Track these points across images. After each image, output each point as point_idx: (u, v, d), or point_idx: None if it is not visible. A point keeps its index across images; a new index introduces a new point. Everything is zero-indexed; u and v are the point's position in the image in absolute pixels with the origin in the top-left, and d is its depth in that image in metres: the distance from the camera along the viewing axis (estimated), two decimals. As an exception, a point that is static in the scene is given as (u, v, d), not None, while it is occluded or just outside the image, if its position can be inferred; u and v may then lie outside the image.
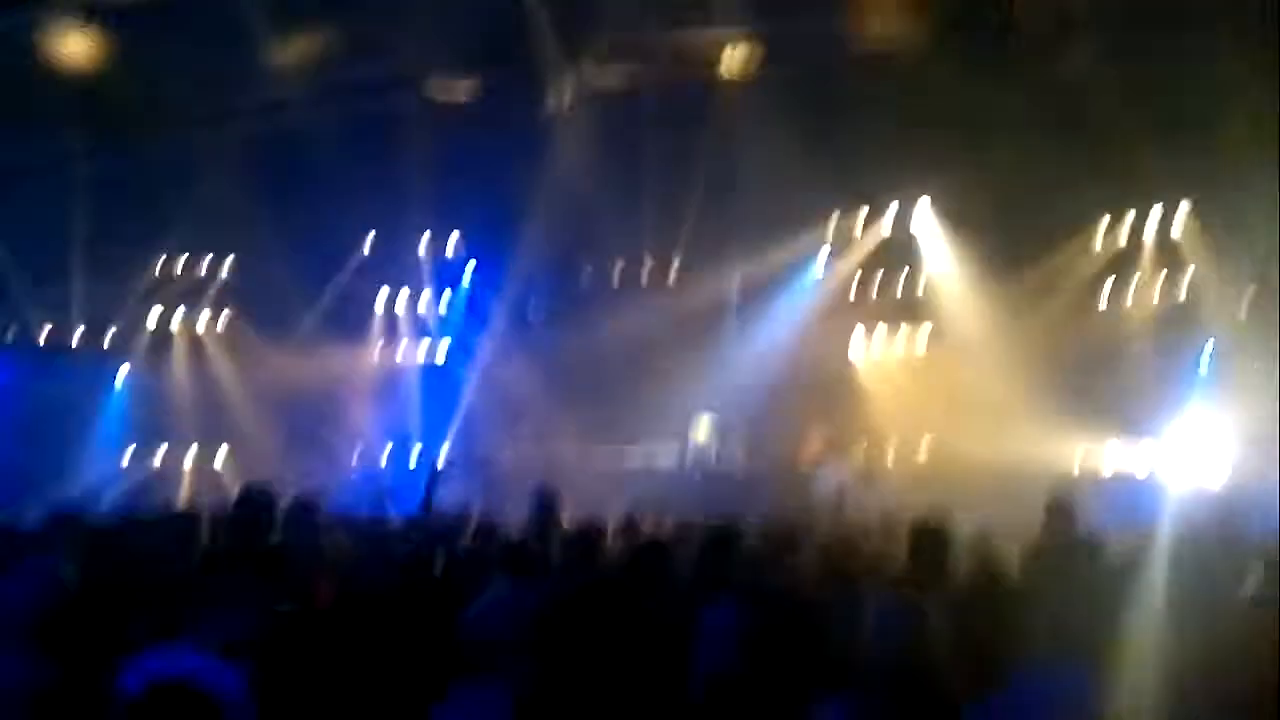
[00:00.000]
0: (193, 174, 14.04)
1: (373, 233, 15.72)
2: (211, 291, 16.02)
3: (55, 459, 13.12)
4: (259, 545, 5.10)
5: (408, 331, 16.36)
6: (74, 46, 11.56)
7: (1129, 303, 14.47)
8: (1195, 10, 10.84)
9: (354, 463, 15.28)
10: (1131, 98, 11.80)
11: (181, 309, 15.92)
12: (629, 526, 7.15)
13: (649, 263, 16.20)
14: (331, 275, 15.64)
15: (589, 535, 5.85)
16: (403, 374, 16.12)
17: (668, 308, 15.56)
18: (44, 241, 13.82)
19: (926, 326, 15.37)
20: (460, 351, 16.10)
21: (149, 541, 5.24)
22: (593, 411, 14.87)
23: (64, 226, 13.80)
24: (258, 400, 15.14)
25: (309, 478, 11.90)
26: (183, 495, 13.81)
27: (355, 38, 12.85)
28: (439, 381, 15.88)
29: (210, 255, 15.90)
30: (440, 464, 13.96)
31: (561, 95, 13.13)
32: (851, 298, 15.77)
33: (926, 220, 14.97)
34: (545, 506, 6.07)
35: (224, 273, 16.05)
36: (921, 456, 14.34)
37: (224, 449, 15.23)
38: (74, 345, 14.90)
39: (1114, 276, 14.50)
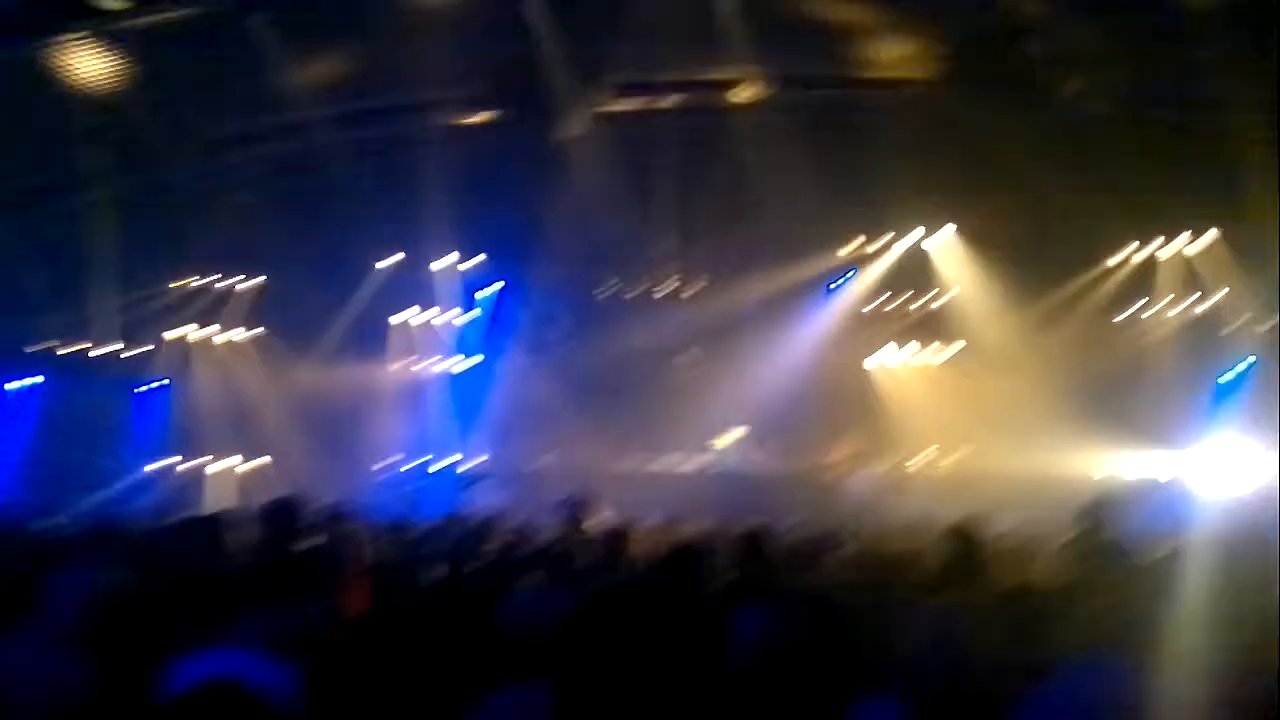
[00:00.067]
0: (218, 194, 14.21)
1: (395, 251, 15.82)
2: (237, 307, 16.17)
3: (87, 468, 13.27)
4: (290, 551, 5.15)
5: (431, 347, 16.45)
6: (97, 69, 11.73)
7: (1151, 320, 14.54)
8: (1210, 49, 10.78)
9: (381, 471, 15.37)
10: (1150, 128, 11.85)
11: (209, 323, 16.08)
12: (660, 532, 7.17)
13: (672, 279, 16.25)
14: (355, 293, 15.77)
15: (619, 540, 5.87)
16: (428, 385, 16.20)
17: (691, 322, 15.63)
18: (73, 259, 13.99)
19: (953, 340, 15.42)
20: (485, 365, 16.18)
21: (185, 546, 5.30)
22: (619, 424, 14.93)
23: (92, 244, 13.97)
24: (285, 410, 15.27)
25: (337, 485, 11.99)
26: (213, 503, 13.92)
27: (375, 64, 12.98)
28: (464, 393, 15.96)
29: (236, 273, 16.07)
30: (469, 471, 14.04)
31: (577, 121, 13.18)
32: (877, 314, 15.84)
33: (950, 245, 15.03)
34: (576, 512, 6.09)
35: (249, 289, 16.19)
36: (949, 467, 14.34)
37: (252, 458, 15.36)
38: (103, 358, 15.05)
39: (1136, 296, 14.59)
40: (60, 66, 11.59)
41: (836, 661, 3.21)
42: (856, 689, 3.29)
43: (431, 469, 15.06)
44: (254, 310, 16.20)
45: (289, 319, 15.68)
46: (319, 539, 5.18)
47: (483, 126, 14.18)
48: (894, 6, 12.71)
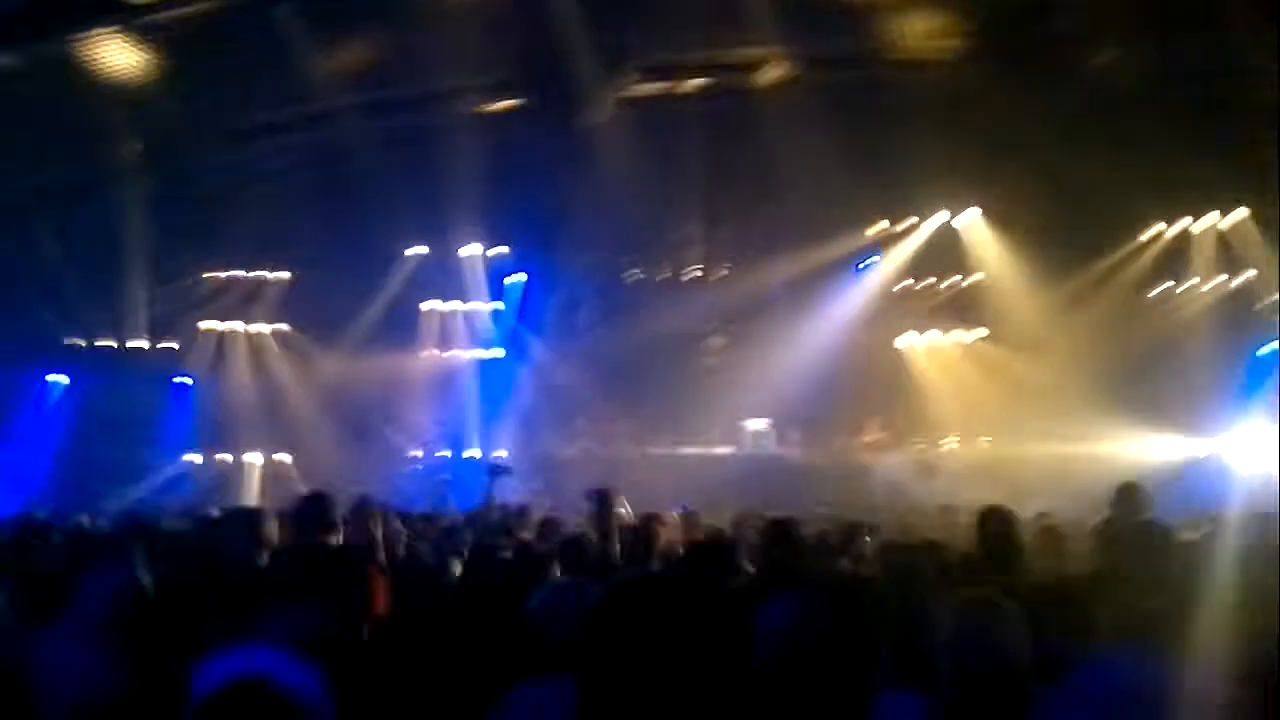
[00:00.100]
0: (247, 186, 14.28)
1: (422, 240, 15.84)
2: (268, 299, 16.27)
3: (122, 463, 13.41)
4: (319, 546, 5.16)
5: (461, 336, 16.50)
6: (126, 64, 11.81)
7: (1181, 298, 14.37)
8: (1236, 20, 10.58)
9: (413, 459, 15.45)
10: (1178, 104, 11.67)
11: (241, 316, 16.20)
12: (688, 521, 7.14)
13: (698, 263, 16.19)
14: (383, 283, 15.83)
15: (647, 530, 5.85)
16: (457, 375, 16.26)
17: (718, 306, 15.57)
18: (105, 253, 14.12)
19: (982, 322, 15.30)
20: (514, 353, 16.21)
21: (217, 540, 5.33)
22: (646, 410, 14.91)
23: (124, 238, 14.09)
24: (317, 401, 15.37)
25: (369, 474, 12.05)
26: (248, 494, 14.05)
27: (400, 53, 12.98)
28: (494, 382, 16.00)
29: (266, 265, 16.17)
30: (496, 462, 14.05)
31: (601, 107, 13.12)
32: (906, 295, 15.72)
33: (977, 225, 14.89)
34: (603, 502, 6.08)
35: (280, 281, 16.29)
36: (979, 450, 14.25)
37: (284, 450, 15.48)
38: (137, 352, 15.19)
39: (1166, 274, 14.42)
40: (89, 62, 11.68)
41: (861, 652, 3.17)
42: (881, 680, 3.27)
43: (460, 459, 15.13)
44: (284, 302, 16.30)
45: (318, 310, 15.78)
46: (347, 533, 5.19)
47: (507, 114, 14.16)
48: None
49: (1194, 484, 10.69)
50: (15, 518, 7.06)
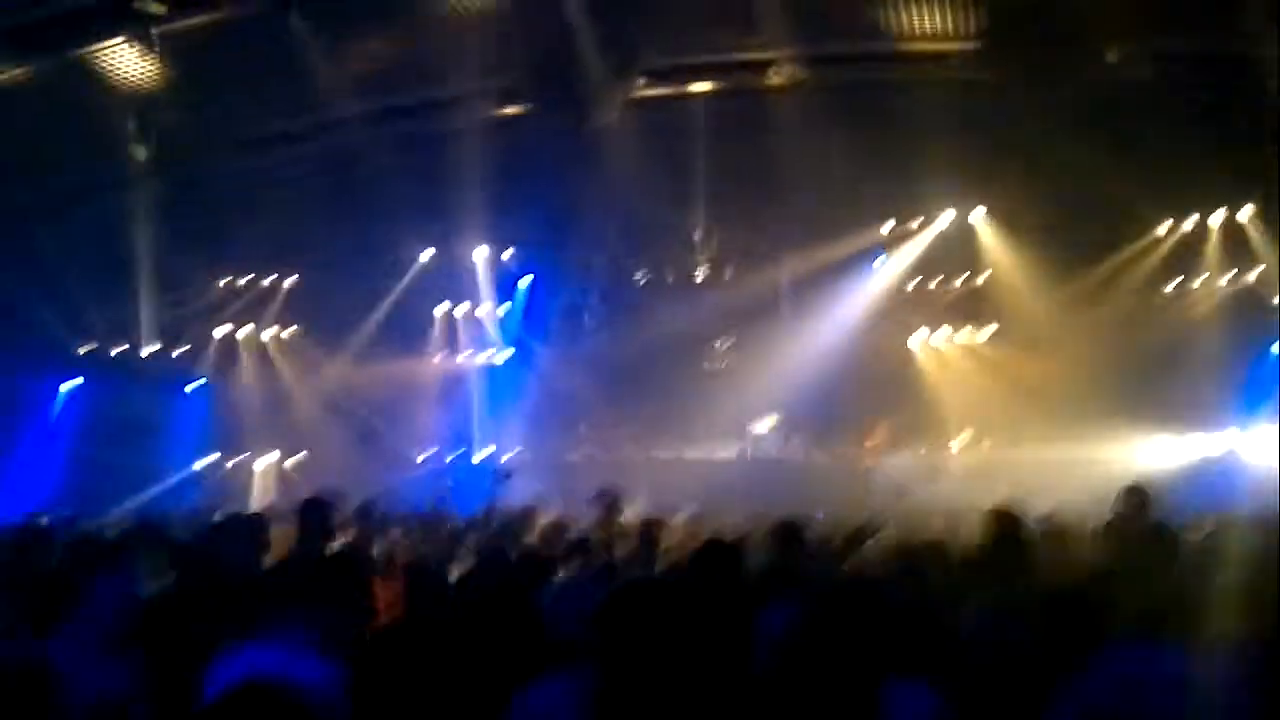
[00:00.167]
0: (259, 192, 14.33)
1: (432, 244, 15.88)
2: (276, 304, 16.31)
3: (133, 468, 13.45)
4: (324, 549, 5.18)
5: (467, 339, 16.52)
6: (140, 72, 11.90)
7: (1192, 296, 14.32)
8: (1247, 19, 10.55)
9: (418, 463, 15.48)
10: (1186, 102, 11.63)
11: (248, 321, 16.25)
12: (695, 524, 7.15)
13: (704, 264, 16.18)
14: (391, 287, 15.86)
15: (653, 533, 5.87)
16: (464, 378, 16.29)
17: (725, 307, 15.55)
18: (116, 259, 14.17)
19: (989, 322, 15.25)
20: (520, 357, 16.23)
21: (225, 547, 5.35)
22: (653, 412, 14.91)
23: (136, 244, 14.15)
24: (324, 405, 15.41)
25: (375, 478, 12.07)
26: (255, 498, 14.09)
27: (410, 59, 13.02)
28: (500, 385, 16.03)
29: (277, 270, 16.21)
30: (503, 464, 14.08)
31: (610, 109, 13.14)
32: (915, 295, 15.68)
33: (983, 224, 14.86)
34: (609, 505, 6.10)
35: (287, 287, 16.33)
36: (986, 450, 14.20)
37: (294, 453, 15.52)
38: (148, 358, 15.25)
39: (1177, 271, 14.36)
40: (103, 69, 11.76)
41: (867, 653, 3.18)
42: (892, 670, 3.27)
43: (465, 462, 15.16)
44: (294, 306, 16.34)
45: (328, 314, 15.83)
46: (353, 536, 5.21)
47: (516, 118, 14.19)
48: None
49: (1205, 483, 10.65)
50: (18, 523, 7.07)
